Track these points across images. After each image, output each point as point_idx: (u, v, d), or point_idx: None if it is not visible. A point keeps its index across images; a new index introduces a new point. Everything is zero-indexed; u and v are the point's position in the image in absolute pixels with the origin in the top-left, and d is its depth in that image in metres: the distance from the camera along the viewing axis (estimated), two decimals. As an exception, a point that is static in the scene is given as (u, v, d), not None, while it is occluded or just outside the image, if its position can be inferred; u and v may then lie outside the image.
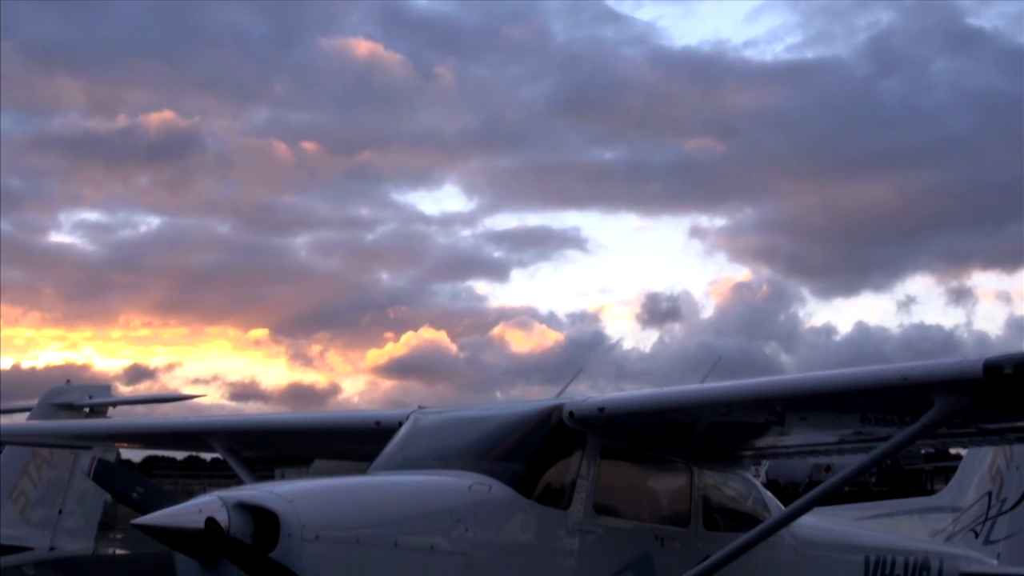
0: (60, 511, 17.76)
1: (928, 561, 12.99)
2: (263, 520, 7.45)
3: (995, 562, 14.61)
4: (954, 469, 16.39)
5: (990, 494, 14.99)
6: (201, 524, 7.28)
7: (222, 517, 7.35)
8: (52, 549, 17.70)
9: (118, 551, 39.66)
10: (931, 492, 23.10)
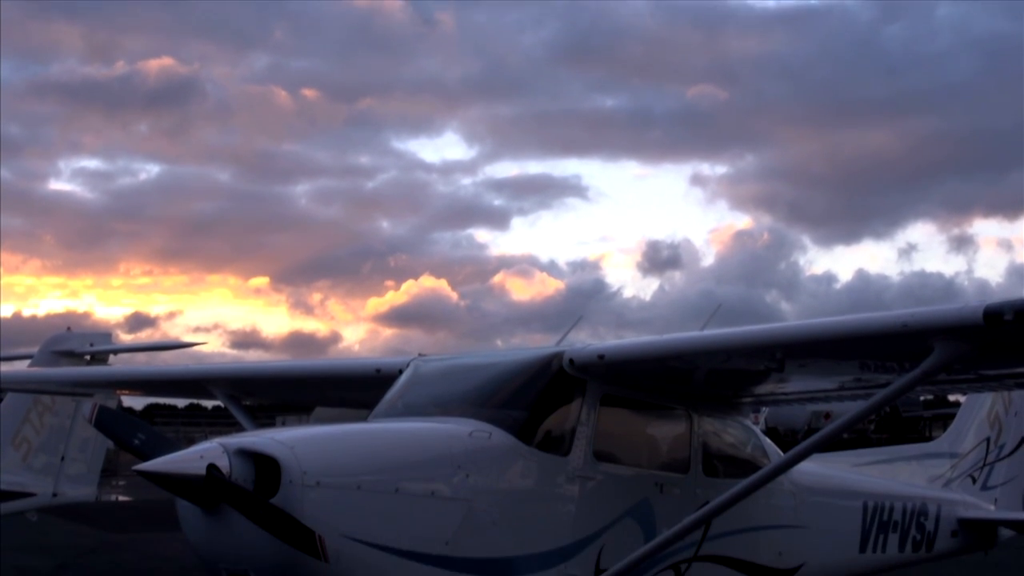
0: (62, 458, 17.83)
1: (926, 507, 13.07)
2: (264, 467, 7.49)
3: (992, 507, 14.69)
4: (952, 416, 16.44)
5: (988, 440, 15.04)
6: (202, 470, 7.31)
7: (223, 463, 7.39)
8: (55, 495, 17.78)
9: (121, 498, 39.94)
10: (929, 439, 23.15)
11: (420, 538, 7.92)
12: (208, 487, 7.33)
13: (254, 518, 7.25)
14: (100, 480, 19.19)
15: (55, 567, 20.56)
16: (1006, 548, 15.55)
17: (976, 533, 13.94)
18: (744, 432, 10.87)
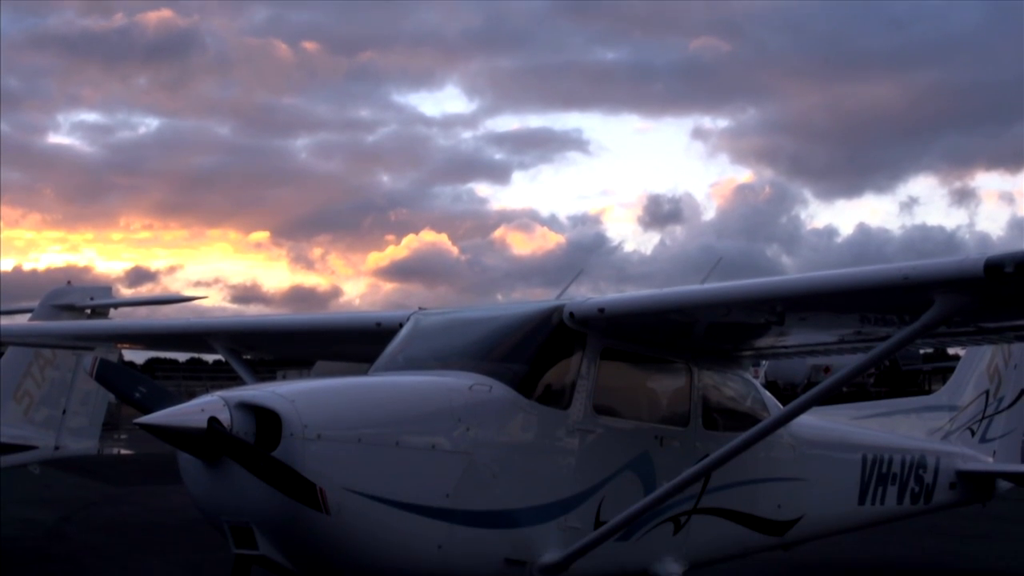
0: (64, 411, 17.86)
1: (925, 459, 13.12)
2: (265, 420, 7.51)
3: (991, 460, 14.75)
4: (952, 369, 16.48)
5: (987, 393, 15.09)
6: (203, 423, 7.33)
7: (224, 417, 7.41)
8: (57, 449, 17.83)
9: (122, 451, 40.11)
10: (929, 392, 23.25)
11: (421, 491, 7.95)
12: (209, 440, 7.35)
13: (255, 471, 7.28)
14: (102, 433, 19.25)
15: (58, 519, 20.68)
16: (1004, 500, 15.64)
17: (974, 485, 14.01)
18: (744, 385, 10.89)
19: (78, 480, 26.55)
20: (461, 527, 8.13)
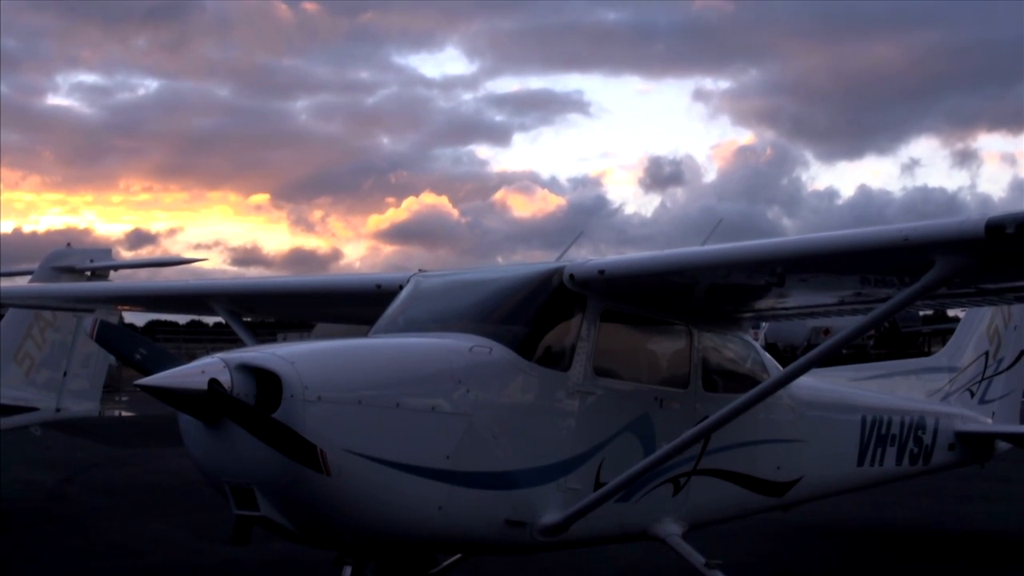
0: (65, 373, 17.90)
1: (924, 420, 13.15)
2: (265, 381, 7.51)
3: (990, 421, 14.79)
4: (951, 331, 16.49)
5: (987, 354, 15.11)
6: (204, 385, 7.34)
7: (224, 378, 7.41)
8: (58, 411, 17.87)
9: (123, 413, 40.20)
10: (928, 354, 23.26)
11: (421, 452, 7.96)
12: (210, 402, 7.36)
13: (256, 432, 7.29)
14: (102, 396, 19.30)
15: (60, 480, 20.77)
16: (1003, 461, 15.71)
17: (973, 446, 14.05)
18: (744, 347, 10.90)
19: (79, 442, 26.64)
20: (461, 488, 8.14)
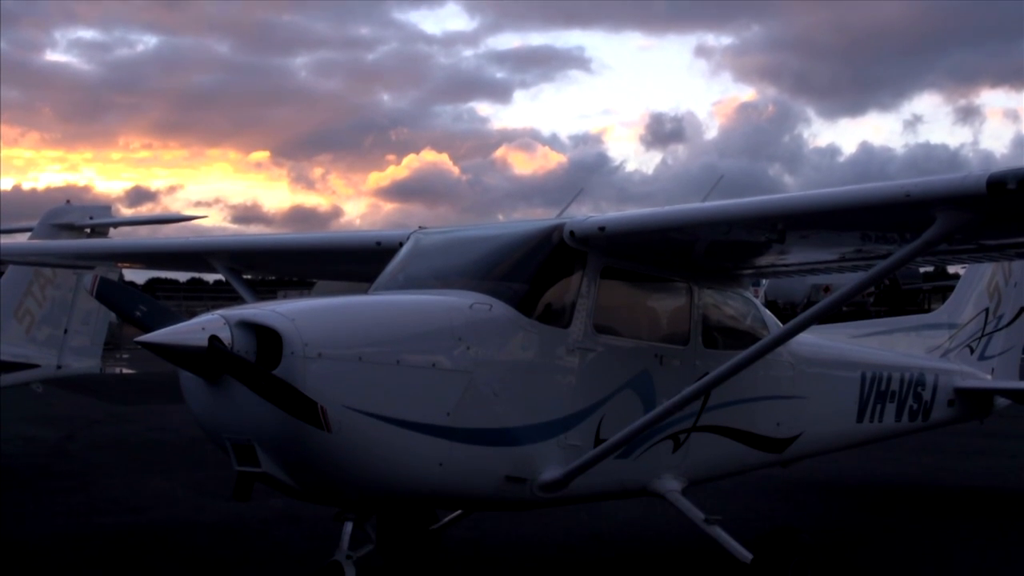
0: (65, 330, 17.91)
1: (923, 377, 13.18)
2: (265, 338, 7.51)
3: (989, 377, 14.83)
4: (952, 288, 16.50)
5: (987, 311, 15.12)
6: (204, 342, 7.33)
7: (225, 335, 7.40)
8: (59, 368, 17.90)
9: (124, 370, 40.29)
10: (928, 311, 23.27)
11: (421, 409, 7.97)
12: (210, 358, 7.35)
13: (256, 389, 7.29)
14: (103, 353, 19.31)
15: (62, 437, 20.84)
16: (1002, 417, 15.77)
17: (972, 402, 14.09)
18: (744, 304, 10.90)
19: (81, 399, 26.70)
20: (462, 445, 8.16)
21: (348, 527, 8.27)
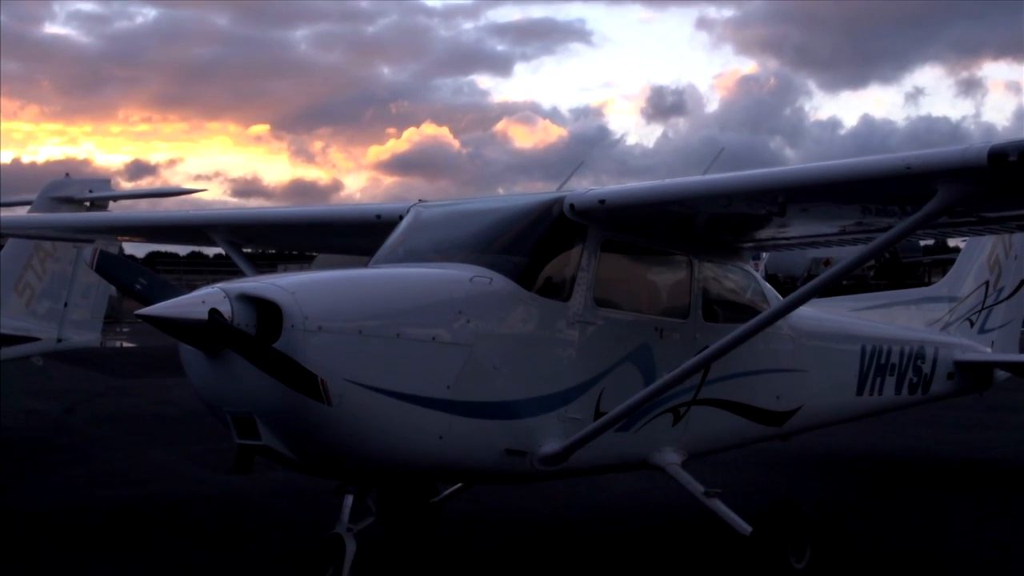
0: (65, 304, 17.91)
1: (923, 350, 13.18)
2: (266, 312, 7.50)
3: (989, 350, 14.84)
4: (952, 262, 16.49)
5: (987, 284, 15.12)
6: (204, 315, 7.32)
7: (225, 308, 7.39)
8: (59, 341, 17.91)
9: (125, 344, 40.34)
10: (928, 284, 23.28)
11: (421, 382, 7.97)
12: (210, 331, 7.35)
13: (257, 362, 7.29)
14: (103, 326, 19.33)
15: (63, 410, 20.88)
16: (1001, 390, 15.79)
17: (972, 375, 14.11)
18: (744, 277, 10.89)
19: (81, 372, 26.76)
20: (462, 418, 8.16)
21: (348, 500, 8.28)
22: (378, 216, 10.55)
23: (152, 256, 72.32)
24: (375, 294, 8.17)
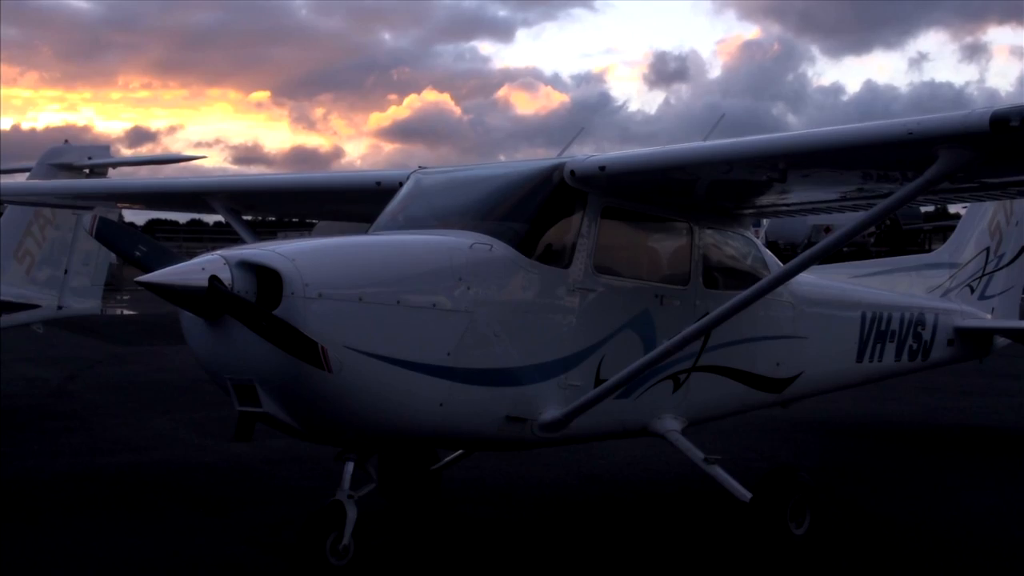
0: (65, 271, 17.91)
1: (923, 316, 13.19)
2: (266, 278, 7.49)
3: (989, 316, 14.83)
4: (953, 228, 16.47)
5: (988, 250, 15.11)
6: (204, 282, 7.31)
7: (225, 275, 7.38)
8: (60, 308, 17.92)
9: (125, 312, 40.38)
10: (929, 251, 23.34)
11: (422, 349, 7.97)
12: (210, 298, 7.34)
13: (257, 329, 7.29)
14: (104, 294, 19.34)
15: (63, 378, 20.92)
16: (1001, 356, 15.83)
17: (972, 342, 14.12)
18: (745, 244, 10.87)
19: (82, 340, 26.81)
20: (462, 385, 8.17)
21: (349, 467, 8.30)
22: (378, 183, 10.53)
23: (152, 223, 72.31)
24: (375, 261, 8.15)
